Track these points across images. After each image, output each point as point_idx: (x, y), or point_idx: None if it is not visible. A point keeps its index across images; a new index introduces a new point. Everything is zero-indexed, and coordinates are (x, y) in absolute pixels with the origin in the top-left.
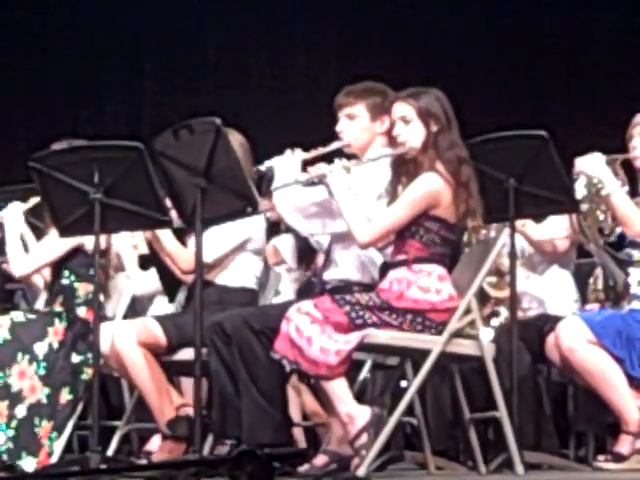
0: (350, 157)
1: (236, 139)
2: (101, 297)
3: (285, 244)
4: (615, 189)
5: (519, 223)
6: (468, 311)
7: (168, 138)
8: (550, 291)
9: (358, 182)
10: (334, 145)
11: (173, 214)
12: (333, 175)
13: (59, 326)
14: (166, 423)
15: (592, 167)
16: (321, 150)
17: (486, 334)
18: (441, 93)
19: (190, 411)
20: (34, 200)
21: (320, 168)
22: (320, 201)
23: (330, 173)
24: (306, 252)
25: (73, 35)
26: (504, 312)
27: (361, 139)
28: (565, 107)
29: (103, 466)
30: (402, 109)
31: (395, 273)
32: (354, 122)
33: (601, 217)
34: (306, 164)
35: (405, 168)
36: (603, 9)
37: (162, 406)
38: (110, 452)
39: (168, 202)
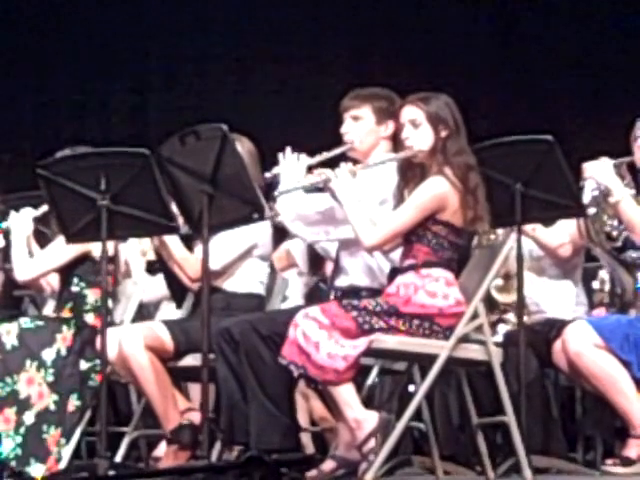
0: (355, 162)
1: (244, 146)
2: (110, 303)
3: (297, 247)
4: (623, 196)
5: (529, 227)
6: (475, 316)
7: (175, 144)
8: (552, 295)
9: (361, 188)
10: (339, 149)
11: (180, 220)
12: (338, 179)
13: (67, 333)
14: (170, 431)
15: (600, 173)
16: (325, 155)
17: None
18: (450, 99)
19: (196, 416)
20: (45, 207)
21: (324, 173)
22: (323, 210)
23: (335, 177)
24: (315, 258)
25: (79, 41)
26: (512, 319)
27: (366, 142)
28: (572, 110)
29: (111, 472)
30: (411, 112)
31: (403, 278)
32: (359, 124)
33: (609, 222)
34: (311, 169)
35: (412, 172)
36: (611, 13)
37: (167, 410)
38: (118, 458)
39: (175, 208)
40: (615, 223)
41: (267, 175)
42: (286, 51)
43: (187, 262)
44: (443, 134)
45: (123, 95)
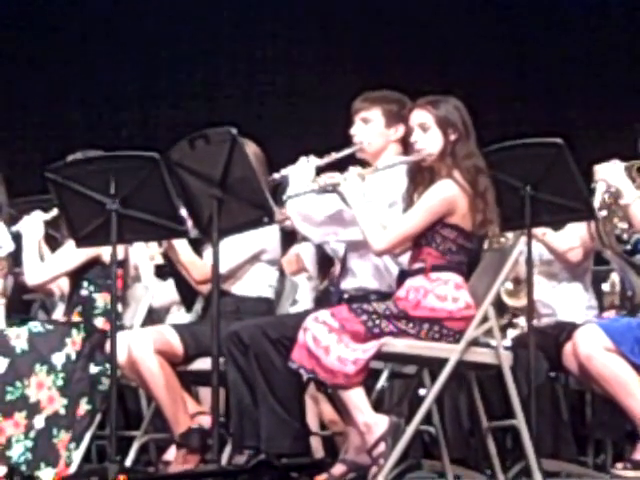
0: (364, 163)
1: (251, 149)
2: (119, 307)
3: (307, 252)
4: (634, 199)
5: (539, 232)
6: (485, 319)
7: (184, 148)
8: (562, 298)
9: (370, 190)
10: (347, 150)
11: (189, 224)
12: (347, 183)
13: (77, 337)
14: (179, 435)
15: (612, 175)
16: (334, 156)
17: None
18: (460, 102)
19: (206, 420)
20: (55, 211)
21: (334, 177)
22: (332, 213)
23: (344, 181)
24: (324, 262)
25: (88, 44)
26: (522, 323)
27: (375, 144)
28: (583, 113)
29: (121, 476)
30: (421, 116)
31: (412, 281)
32: (368, 126)
33: (619, 224)
34: (320, 171)
35: (421, 176)
36: (622, 15)
37: (177, 414)
38: (128, 462)
39: (184, 212)
40: (626, 226)
41: (276, 176)
42: (296, 52)
43: (193, 265)
44: (452, 138)
45: (133, 99)
